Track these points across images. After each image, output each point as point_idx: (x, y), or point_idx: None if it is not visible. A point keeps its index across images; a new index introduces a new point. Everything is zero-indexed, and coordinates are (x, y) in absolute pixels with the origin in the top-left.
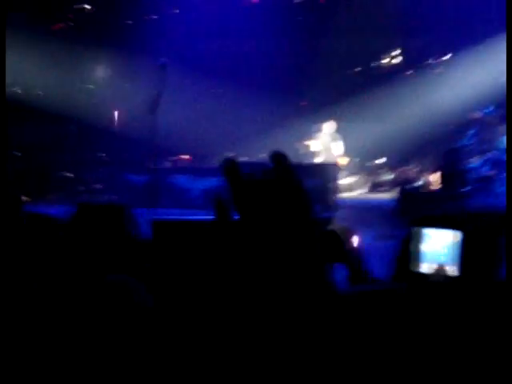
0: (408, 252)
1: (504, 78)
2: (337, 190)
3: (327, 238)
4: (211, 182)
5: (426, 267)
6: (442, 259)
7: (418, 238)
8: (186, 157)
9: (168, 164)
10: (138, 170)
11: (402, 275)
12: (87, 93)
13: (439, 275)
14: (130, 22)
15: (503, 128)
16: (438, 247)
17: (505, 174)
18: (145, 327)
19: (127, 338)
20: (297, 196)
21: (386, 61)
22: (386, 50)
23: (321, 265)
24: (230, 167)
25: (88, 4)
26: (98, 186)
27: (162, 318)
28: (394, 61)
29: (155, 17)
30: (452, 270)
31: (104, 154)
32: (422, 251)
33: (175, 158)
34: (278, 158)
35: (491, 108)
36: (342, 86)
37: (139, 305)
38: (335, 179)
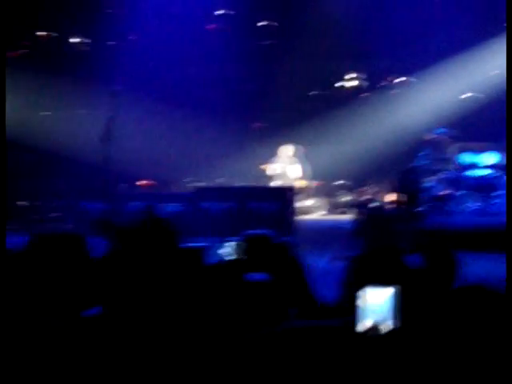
0: (355, 278)
1: (457, 100)
2: (294, 213)
3: (279, 263)
4: (171, 207)
5: (361, 326)
6: (376, 316)
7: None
8: (145, 182)
9: (127, 191)
10: (95, 197)
11: (347, 299)
12: (42, 120)
13: (374, 331)
14: (87, 48)
15: (455, 148)
16: (372, 304)
17: (458, 193)
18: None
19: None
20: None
21: (342, 83)
22: (343, 73)
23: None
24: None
25: (43, 31)
26: (54, 215)
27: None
28: (351, 83)
29: (111, 43)
30: (386, 326)
31: (60, 182)
32: (359, 310)
33: (134, 184)
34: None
35: (443, 129)
36: (299, 109)
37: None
38: (292, 202)
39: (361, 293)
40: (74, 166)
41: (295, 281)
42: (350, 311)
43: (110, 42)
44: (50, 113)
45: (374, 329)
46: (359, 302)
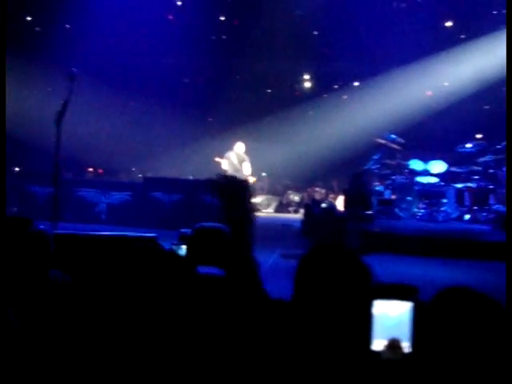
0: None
1: (407, 108)
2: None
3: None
4: (117, 196)
5: (377, 344)
6: (394, 334)
7: (369, 312)
8: (92, 169)
9: (74, 176)
10: (42, 181)
11: (300, 297)
12: None
13: (391, 352)
14: (39, 28)
15: (405, 154)
16: (389, 321)
17: (407, 198)
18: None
19: None
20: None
21: (297, 84)
22: (298, 74)
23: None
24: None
25: None
26: None
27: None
28: (305, 85)
29: (68, 26)
30: (405, 345)
31: (7, 164)
32: (373, 326)
33: (82, 170)
34: None
35: (393, 135)
36: (253, 106)
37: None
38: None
39: (376, 305)
40: (24, 149)
41: (248, 277)
42: (304, 309)
43: (66, 25)
44: None
45: (392, 348)
46: (374, 316)
